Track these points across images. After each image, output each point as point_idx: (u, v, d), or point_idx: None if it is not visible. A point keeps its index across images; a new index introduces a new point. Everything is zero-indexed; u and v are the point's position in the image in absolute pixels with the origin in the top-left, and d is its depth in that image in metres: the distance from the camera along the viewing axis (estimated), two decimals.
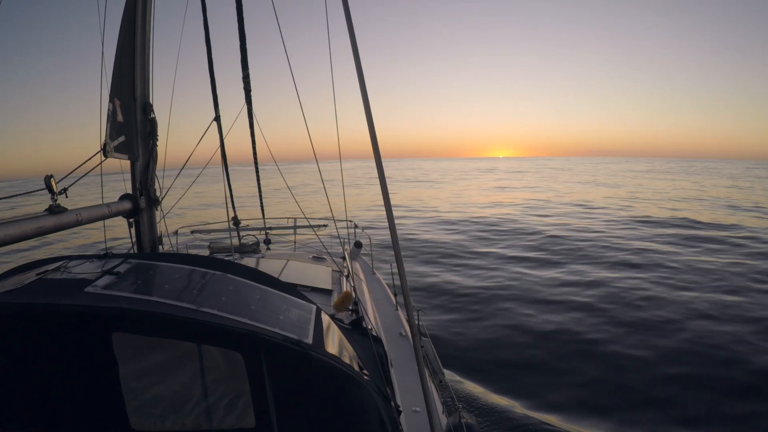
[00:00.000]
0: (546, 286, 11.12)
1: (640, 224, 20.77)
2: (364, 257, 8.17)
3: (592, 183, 51.67)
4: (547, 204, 30.16)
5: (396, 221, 2.47)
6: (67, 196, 3.02)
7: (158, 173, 4.20)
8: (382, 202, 2.50)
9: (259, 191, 7.31)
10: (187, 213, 24.07)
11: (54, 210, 2.85)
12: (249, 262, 5.90)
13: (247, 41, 5.21)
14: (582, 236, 17.70)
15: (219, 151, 5.67)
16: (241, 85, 5.43)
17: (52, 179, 2.84)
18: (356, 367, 2.50)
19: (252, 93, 5.54)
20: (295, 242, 8.75)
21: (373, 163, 2.58)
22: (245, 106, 5.57)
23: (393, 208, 2.49)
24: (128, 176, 4.07)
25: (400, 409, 2.89)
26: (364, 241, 8.35)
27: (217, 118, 5.41)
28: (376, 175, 2.51)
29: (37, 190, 2.93)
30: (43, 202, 2.88)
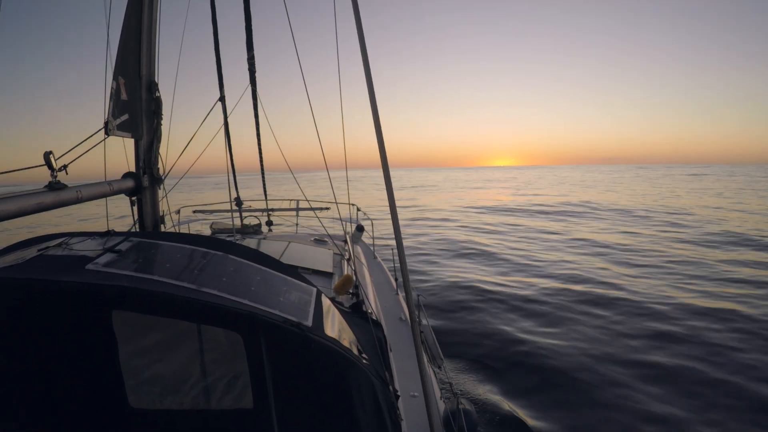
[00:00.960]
0: None
1: None
2: (365, 241, 8.18)
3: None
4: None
5: None
6: (67, 173, 3.00)
7: (161, 152, 4.19)
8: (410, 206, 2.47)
9: (262, 173, 7.30)
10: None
11: (53, 186, 2.83)
12: (250, 243, 5.91)
13: (258, 44, 5.20)
14: None
15: (223, 131, 5.66)
16: (246, 66, 5.41)
17: (51, 155, 2.80)
18: (355, 351, 2.50)
19: (258, 92, 5.53)
20: (297, 224, 8.76)
21: (380, 172, 2.58)
22: (249, 87, 5.55)
23: None
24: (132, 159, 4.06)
25: (398, 393, 2.90)
26: (366, 225, 8.36)
27: (222, 99, 5.39)
28: (383, 182, 2.51)
29: (37, 166, 2.92)
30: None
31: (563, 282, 11.25)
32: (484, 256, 14.71)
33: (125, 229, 3.49)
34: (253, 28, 5.14)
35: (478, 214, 27.79)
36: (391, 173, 2.52)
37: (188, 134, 4.87)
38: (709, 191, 44.90)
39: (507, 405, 5.78)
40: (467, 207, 32.75)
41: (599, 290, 10.42)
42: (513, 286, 10.86)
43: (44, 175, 2.90)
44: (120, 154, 4.10)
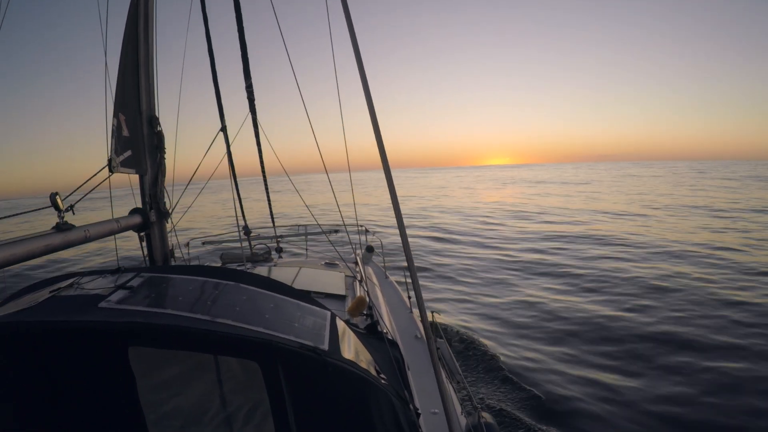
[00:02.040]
0: None
1: None
2: (376, 261, 8.16)
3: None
4: None
5: None
6: (74, 213, 3.00)
7: (167, 186, 4.20)
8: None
9: (268, 199, 7.32)
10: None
11: (61, 227, 2.83)
12: (261, 270, 5.90)
13: (252, 53, 5.24)
14: None
15: (226, 161, 5.69)
16: (245, 95, 5.45)
17: (58, 196, 2.82)
18: (373, 372, 2.48)
19: (257, 104, 5.56)
20: (306, 249, 8.77)
21: (382, 174, 2.57)
22: (250, 115, 5.59)
23: None
24: (137, 191, 4.07)
25: (419, 411, 2.87)
26: (375, 245, 8.34)
27: (224, 129, 5.42)
28: (387, 184, 2.50)
29: (43, 207, 2.93)
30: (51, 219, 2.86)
31: None
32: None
33: (135, 263, 3.49)
34: (249, 55, 5.20)
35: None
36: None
37: (192, 163, 4.88)
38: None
39: (529, 416, 5.71)
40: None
41: None
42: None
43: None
44: (126, 185, 4.12)
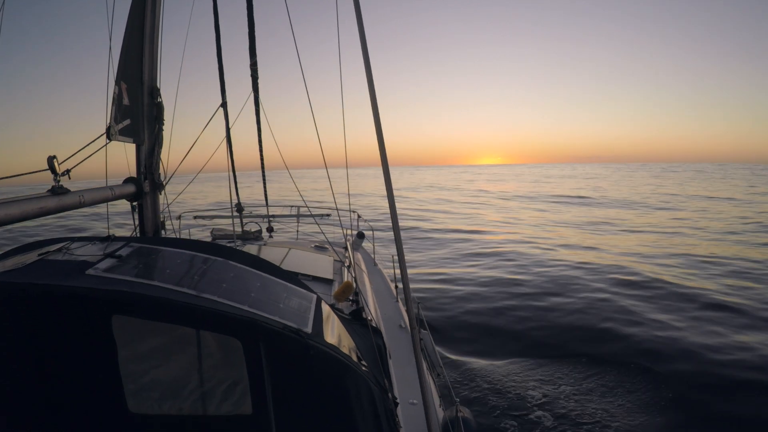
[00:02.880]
0: None
1: None
2: (366, 248, 8.17)
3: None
4: None
5: None
6: (69, 178, 3.00)
7: (163, 158, 4.19)
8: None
9: (263, 179, 7.30)
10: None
11: (56, 191, 2.83)
12: (251, 249, 5.91)
13: (258, 42, 5.20)
14: None
15: (226, 141, 5.67)
16: (248, 72, 5.41)
17: (55, 160, 2.82)
18: (354, 358, 2.50)
19: (260, 98, 5.53)
20: (297, 231, 8.76)
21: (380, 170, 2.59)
22: (252, 94, 5.56)
23: None
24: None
25: (398, 401, 2.90)
26: (366, 232, 8.34)
27: (224, 104, 5.39)
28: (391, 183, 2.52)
29: (41, 170, 2.92)
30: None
31: None
32: None
33: (126, 233, 3.50)
34: (256, 33, 5.16)
35: None
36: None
37: (190, 139, 4.87)
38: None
39: (508, 411, 5.77)
40: None
41: None
42: None
43: (47, 179, 2.91)
44: (122, 158, 4.10)
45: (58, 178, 2.87)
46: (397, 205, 2.57)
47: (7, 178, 2.87)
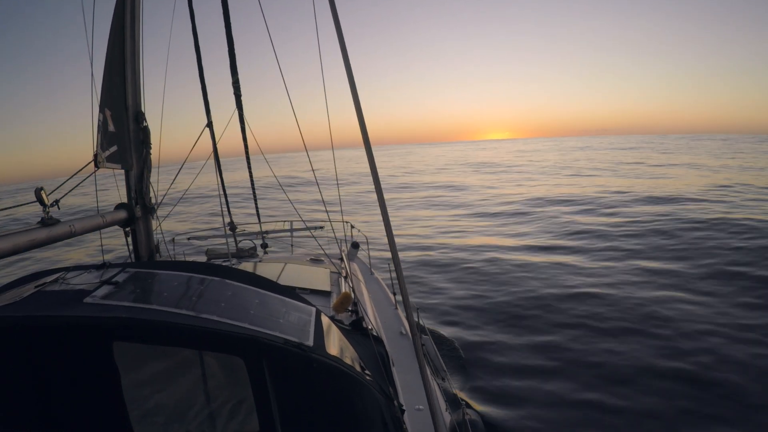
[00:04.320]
0: None
1: None
2: (361, 257, 8.17)
3: None
4: None
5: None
6: (59, 209, 3.00)
7: (152, 180, 4.18)
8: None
9: (254, 196, 7.29)
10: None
11: (46, 222, 2.83)
12: (247, 266, 5.89)
13: (236, 35, 5.20)
14: None
15: (212, 157, 5.65)
16: (231, 83, 5.41)
17: (43, 191, 2.81)
18: (358, 368, 2.50)
19: (243, 96, 5.52)
20: (292, 245, 8.74)
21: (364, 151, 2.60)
22: (236, 111, 5.56)
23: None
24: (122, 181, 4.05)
25: (404, 408, 2.90)
26: (360, 242, 8.34)
27: (210, 125, 5.39)
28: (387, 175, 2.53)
29: (29, 203, 2.91)
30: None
31: None
32: None
33: (120, 259, 3.49)
34: (236, 51, 5.17)
35: None
36: (380, 151, 2.55)
37: (179, 158, 4.85)
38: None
39: (515, 412, 5.76)
40: None
41: None
42: None
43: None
44: (111, 183, 4.09)
45: (47, 210, 2.86)
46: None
47: None
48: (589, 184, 29.46)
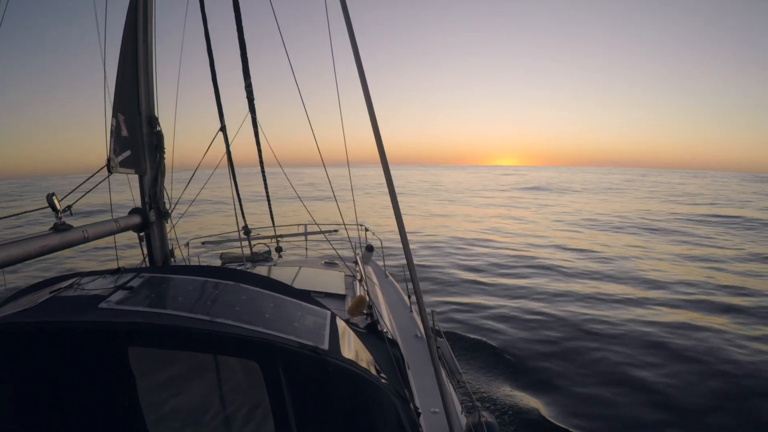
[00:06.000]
0: None
1: None
2: (376, 260, 8.15)
3: None
4: None
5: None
6: (72, 214, 2.99)
7: (166, 185, 4.18)
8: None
9: (268, 200, 7.31)
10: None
11: (59, 228, 2.82)
12: (261, 270, 5.89)
13: (250, 46, 5.20)
14: None
15: (226, 160, 5.66)
16: (244, 91, 5.42)
17: (55, 197, 2.80)
18: (373, 371, 2.48)
19: (255, 100, 5.53)
20: (306, 249, 8.76)
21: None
22: (249, 115, 5.57)
23: None
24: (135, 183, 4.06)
25: (419, 410, 2.87)
26: (375, 244, 8.33)
27: (223, 129, 5.40)
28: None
29: (41, 209, 2.91)
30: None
31: None
32: None
33: (135, 264, 3.49)
34: (248, 52, 5.17)
35: None
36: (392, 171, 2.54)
37: (192, 163, 4.85)
38: None
39: (531, 414, 5.71)
40: None
41: None
42: None
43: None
44: (125, 188, 4.09)
45: (60, 216, 2.86)
46: None
47: (7, 217, 2.86)
48: None
